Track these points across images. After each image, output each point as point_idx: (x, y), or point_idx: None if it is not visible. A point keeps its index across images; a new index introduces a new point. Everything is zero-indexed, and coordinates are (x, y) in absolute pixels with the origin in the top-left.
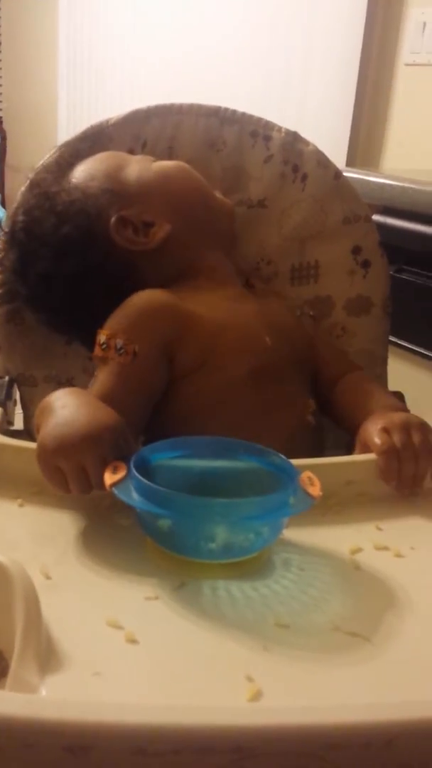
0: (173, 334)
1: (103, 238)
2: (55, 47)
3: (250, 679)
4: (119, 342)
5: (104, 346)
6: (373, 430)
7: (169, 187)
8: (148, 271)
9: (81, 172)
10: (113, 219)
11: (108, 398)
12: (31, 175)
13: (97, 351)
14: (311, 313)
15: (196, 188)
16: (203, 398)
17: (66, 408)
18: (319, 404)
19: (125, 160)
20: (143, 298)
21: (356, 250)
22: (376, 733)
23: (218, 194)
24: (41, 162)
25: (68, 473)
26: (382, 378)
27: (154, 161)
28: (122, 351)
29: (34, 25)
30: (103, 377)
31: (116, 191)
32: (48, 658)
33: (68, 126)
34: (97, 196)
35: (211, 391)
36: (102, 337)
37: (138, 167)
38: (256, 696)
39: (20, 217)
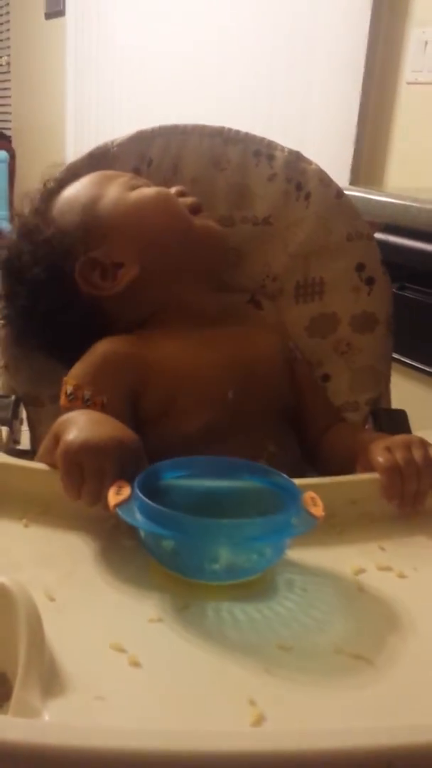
0: (137, 383)
1: (70, 280)
2: (62, 68)
3: (252, 703)
4: (87, 393)
5: (71, 396)
6: (376, 450)
7: (142, 223)
8: (116, 313)
9: (62, 203)
10: (80, 262)
11: None
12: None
13: (64, 401)
14: (309, 360)
15: (172, 223)
16: (161, 447)
17: (92, 421)
18: (304, 454)
19: (105, 187)
20: (106, 347)
21: (360, 267)
22: (376, 756)
23: (204, 221)
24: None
25: (87, 472)
26: (385, 395)
27: (135, 188)
28: (90, 402)
29: (43, 47)
30: None
31: (88, 227)
32: (51, 681)
33: (76, 145)
34: (68, 233)
35: (167, 441)
36: (69, 388)
37: (115, 197)
38: (259, 720)
39: (4, 251)
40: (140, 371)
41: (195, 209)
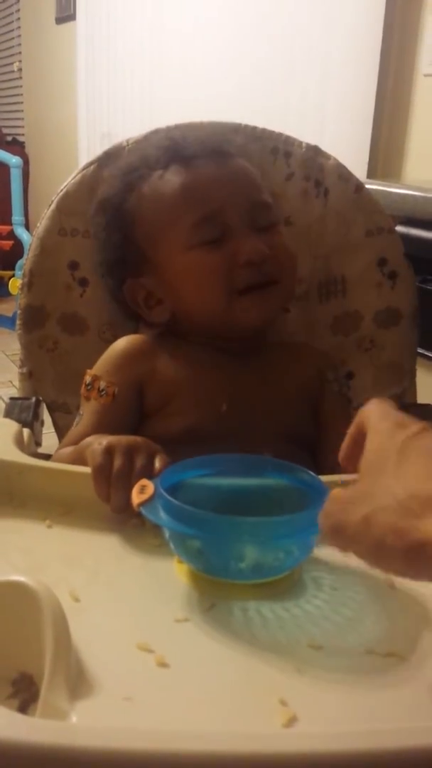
0: (144, 377)
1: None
2: (74, 72)
3: (283, 703)
4: (101, 384)
5: (89, 386)
6: None
7: (182, 290)
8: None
9: (136, 206)
10: (129, 282)
11: (91, 435)
12: (55, 198)
13: (83, 390)
14: (349, 385)
15: (207, 306)
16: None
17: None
18: None
19: (169, 229)
20: (121, 344)
21: (382, 262)
22: (421, 758)
23: (247, 306)
24: (65, 184)
25: (117, 463)
26: (410, 390)
27: (194, 246)
28: (104, 393)
29: (53, 52)
30: (86, 416)
31: (146, 255)
32: (78, 683)
33: (88, 149)
34: (131, 244)
35: (157, 437)
36: (87, 378)
37: (170, 251)
38: (291, 721)
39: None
40: (149, 368)
41: (250, 287)
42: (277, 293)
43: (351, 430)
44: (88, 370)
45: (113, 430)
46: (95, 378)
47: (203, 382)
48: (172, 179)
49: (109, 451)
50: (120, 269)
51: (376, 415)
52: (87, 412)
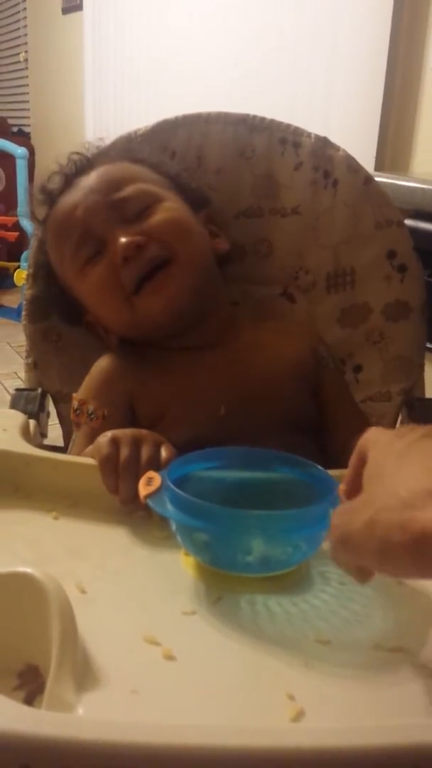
0: (133, 393)
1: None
2: (80, 63)
3: (291, 697)
4: (90, 407)
5: (78, 411)
6: None
7: (95, 311)
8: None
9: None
10: (84, 322)
11: None
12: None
13: (73, 416)
14: (344, 364)
15: (111, 314)
16: None
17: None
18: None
19: (64, 266)
20: (104, 364)
21: (391, 255)
22: (429, 754)
23: (145, 299)
24: None
25: (124, 454)
26: (418, 384)
27: (83, 271)
28: (93, 416)
29: (60, 42)
30: (80, 441)
31: (76, 299)
32: (84, 675)
33: (95, 139)
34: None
35: None
36: (75, 404)
37: (71, 283)
38: (299, 716)
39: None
40: (136, 383)
41: (141, 281)
42: (174, 271)
43: (352, 461)
44: (74, 395)
45: None
46: (82, 402)
47: (196, 388)
48: (50, 226)
49: (115, 442)
50: (72, 315)
51: (375, 435)
52: (79, 437)
